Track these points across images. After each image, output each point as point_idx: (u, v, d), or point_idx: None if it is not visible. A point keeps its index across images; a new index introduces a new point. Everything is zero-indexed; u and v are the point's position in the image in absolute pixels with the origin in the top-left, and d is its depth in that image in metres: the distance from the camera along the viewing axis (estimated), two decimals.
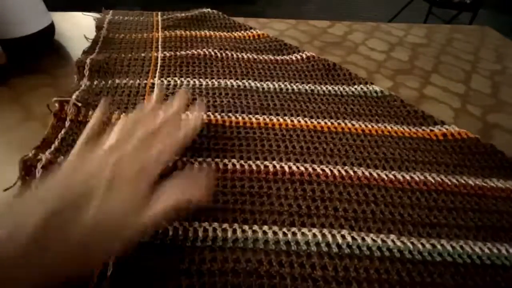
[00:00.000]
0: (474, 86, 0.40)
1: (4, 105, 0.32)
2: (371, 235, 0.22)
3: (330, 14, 2.21)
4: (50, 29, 0.41)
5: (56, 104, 0.29)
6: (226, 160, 0.26)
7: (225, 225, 0.22)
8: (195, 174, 0.23)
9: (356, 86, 0.37)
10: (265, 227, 0.22)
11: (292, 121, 0.31)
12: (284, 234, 0.22)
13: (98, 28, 0.44)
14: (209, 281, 0.19)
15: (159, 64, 0.37)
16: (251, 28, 0.48)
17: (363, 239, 0.22)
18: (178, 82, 0.35)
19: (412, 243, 0.22)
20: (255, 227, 0.22)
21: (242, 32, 0.47)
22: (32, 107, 0.31)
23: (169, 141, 0.22)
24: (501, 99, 0.39)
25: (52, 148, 0.26)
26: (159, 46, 0.41)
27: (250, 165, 0.26)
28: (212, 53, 0.40)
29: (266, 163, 0.26)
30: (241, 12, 0.52)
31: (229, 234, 0.21)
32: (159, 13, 0.50)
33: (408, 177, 0.26)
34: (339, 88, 0.36)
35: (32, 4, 0.37)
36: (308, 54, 0.41)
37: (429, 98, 0.38)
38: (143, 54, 0.39)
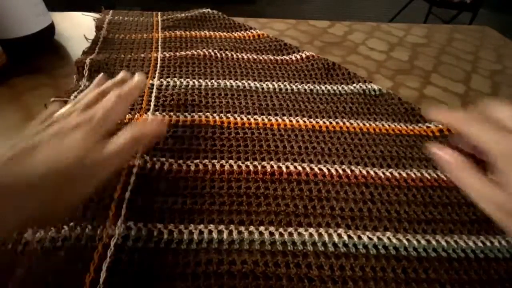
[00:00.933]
0: (474, 86, 0.40)
1: (4, 105, 0.32)
2: (367, 233, 0.22)
3: (330, 14, 2.21)
4: (50, 29, 0.41)
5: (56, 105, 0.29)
6: (223, 161, 0.26)
7: (221, 227, 0.22)
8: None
9: (355, 85, 0.37)
10: (262, 228, 0.22)
11: (290, 121, 0.31)
12: (281, 234, 0.22)
13: (98, 28, 0.44)
14: (204, 284, 0.19)
15: (158, 65, 0.37)
16: (251, 28, 0.48)
17: (359, 237, 0.22)
18: (178, 82, 0.35)
19: (407, 240, 0.22)
20: (251, 228, 0.22)
21: (242, 32, 0.47)
22: (32, 107, 0.31)
23: (113, 95, 0.22)
24: (501, 99, 0.39)
25: None
26: (159, 47, 0.41)
27: (247, 166, 0.26)
28: (212, 53, 0.40)
29: (264, 163, 0.27)
30: (241, 12, 0.52)
31: (225, 235, 0.21)
32: (159, 13, 0.50)
33: (404, 174, 0.27)
34: (338, 87, 0.36)
35: (32, 4, 0.37)
36: (308, 54, 0.41)
37: (429, 98, 0.38)
38: (142, 55, 0.39)
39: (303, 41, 0.48)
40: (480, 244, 0.22)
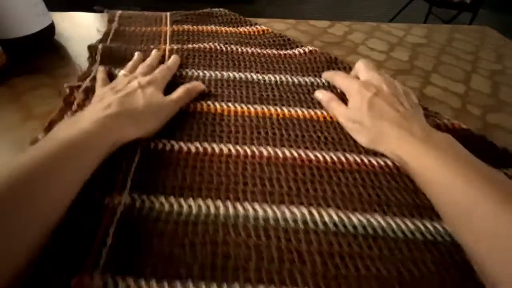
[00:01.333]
0: (474, 86, 0.41)
1: (4, 105, 0.32)
2: (357, 214, 0.23)
3: (330, 14, 2.21)
4: (50, 29, 0.41)
5: (67, 90, 0.32)
6: (222, 145, 0.28)
7: (218, 203, 0.23)
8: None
9: None
10: (256, 205, 0.23)
11: (289, 111, 0.33)
12: (274, 211, 0.23)
13: (110, 21, 0.46)
14: (201, 252, 0.20)
15: (166, 56, 0.39)
16: (256, 24, 0.49)
17: (349, 218, 0.23)
18: (183, 73, 0.37)
19: (396, 222, 0.23)
20: (246, 205, 0.23)
21: (248, 27, 0.48)
22: (32, 107, 0.31)
23: (165, 67, 0.34)
24: (501, 99, 0.39)
25: None
26: (168, 39, 0.43)
27: (245, 150, 0.28)
28: (218, 47, 0.41)
29: (261, 148, 0.28)
30: (241, 12, 0.52)
31: (221, 210, 0.23)
32: (168, 13, 0.50)
33: (397, 163, 0.28)
34: (338, 90, 0.37)
35: (32, 4, 0.37)
36: (311, 49, 0.42)
37: (429, 98, 0.38)
38: (152, 46, 0.41)
39: (303, 41, 0.48)
40: None
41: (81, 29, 0.43)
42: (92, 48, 0.38)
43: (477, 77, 0.42)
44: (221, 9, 0.51)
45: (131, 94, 0.28)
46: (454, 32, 0.55)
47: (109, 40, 0.42)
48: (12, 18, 0.35)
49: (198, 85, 0.33)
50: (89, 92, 0.32)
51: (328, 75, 0.37)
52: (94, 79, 0.33)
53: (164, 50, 0.40)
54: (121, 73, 0.32)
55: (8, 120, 0.30)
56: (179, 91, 0.31)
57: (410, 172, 0.26)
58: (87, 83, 0.33)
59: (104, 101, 0.26)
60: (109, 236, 0.20)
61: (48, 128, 0.27)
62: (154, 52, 0.37)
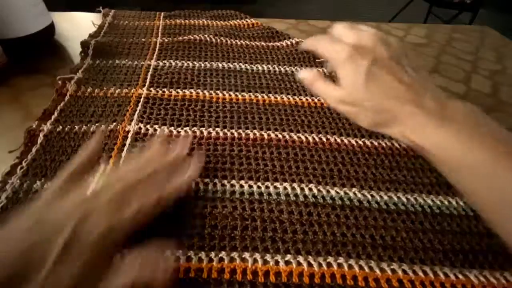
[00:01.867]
0: (474, 86, 0.41)
1: (4, 105, 0.32)
2: (336, 188, 0.25)
3: (330, 14, 2.21)
4: (50, 29, 0.41)
5: (59, 82, 0.33)
6: (210, 129, 0.29)
7: (206, 180, 0.25)
8: (154, 252, 0.18)
9: None
10: (242, 182, 0.25)
11: (275, 97, 0.34)
12: (258, 187, 0.25)
13: (105, 15, 0.48)
14: (190, 224, 0.21)
15: (157, 48, 0.41)
16: (246, 17, 0.51)
17: (328, 191, 0.25)
18: (173, 63, 0.38)
19: (371, 195, 0.25)
20: (233, 182, 0.25)
21: (238, 20, 0.50)
22: (32, 107, 0.31)
23: (155, 195, 0.19)
24: (501, 99, 0.39)
25: (52, 119, 0.29)
26: (159, 33, 0.44)
27: (232, 133, 0.29)
28: (208, 38, 0.43)
29: (247, 131, 0.29)
30: (241, 12, 0.52)
31: (210, 187, 0.24)
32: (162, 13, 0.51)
33: (376, 144, 0.29)
34: (323, 70, 0.39)
35: (32, 4, 0.37)
36: (298, 40, 0.44)
37: None
38: (143, 39, 0.42)
39: (303, 41, 0.48)
40: (438, 202, 0.25)
41: (81, 29, 0.43)
42: (84, 43, 0.39)
43: (477, 77, 0.42)
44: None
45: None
46: (454, 32, 0.55)
47: (102, 33, 0.43)
48: (12, 18, 0.35)
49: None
50: (81, 83, 0.33)
51: (311, 43, 0.29)
52: (86, 70, 0.35)
53: (155, 43, 0.41)
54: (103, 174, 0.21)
55: (8, 120, 0.30)
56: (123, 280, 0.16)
57: (428, 156, 0.24)
58: (79, 74, 0.34)
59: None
60: None
61: (42, 118, 0.29)
62: (181, 140, 0.25)
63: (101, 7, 0.49)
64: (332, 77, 0.28)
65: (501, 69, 0.45)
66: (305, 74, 0.29)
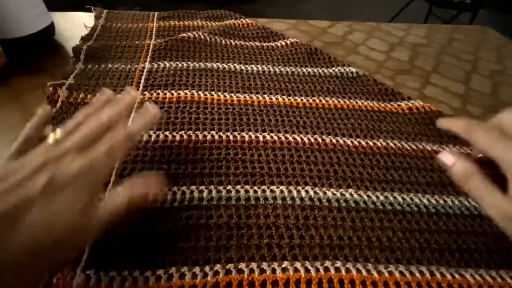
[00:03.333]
0: (474, 86, 0.40)
1: (4, 105, 0.32)
2: (332, 190, 0.25)
3: (330, 14, 2.21)
4: (50, 29, 0.41)
5: (50, 88, 0.32)
6: (205, 132, 0.29)
7: (202, 187, 0.24)
8: (146, 175, 0.20)
9: (334, 68, 0.40)
10: (238, 187, 0.24)
11: (270, 98, 0.34)
12: (255, 191, 0.24)
13: (97, 17, 0.47)
14: (184, 236, 0.21)
15: (150, 50, 0.40)
16: (241, 17, 0.50)
17: (324, 193, 0.24)
18: (167, 65, 0.37)
19: (367, 195, 0.24)
20: (229, 187, 0.24)
21: (233, 20, 0.49)
22: (32, 107, 0.31)
23: (120, 136, 0.19)
24: (501, 99, 0.39)
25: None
26: (153, 35, 0.44)
27: (227, 136, 0.29)
28: (202, 36, 0.42)
29: (243, 134, 0.29)
30: (241, 12, 0.52)
31: (205, 194, 0.24)
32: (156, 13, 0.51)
33: (371, 144, 0.29)
34: (318, 70, 0.39)
35: (32, 4, 0.37)
36: (292, 40, 0.44)
37: (429, 98, 0.38)
38: (137, 42, 0.42)
39: (303, 41, 0.48)
40: (433, 201, 0.25)
41: (81, 29, 0.43)
42: (76, 49, 0.38)
43: (477, 77, 0.42)
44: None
45: (15, 214, 0.14)
46: (454, 32, 0.55)
47: (95, 36, 0.42)
48: (12, 18, 0.35)
49: (153, 189, 0.19)
50: (73, 89, 0.32)
51: (458, 126, 0.22)
52: (77, 76, 0.34)
53: (148, 45, 0.41)
54: (52, 137, 0.19)
55: (8, 120, 0.30)
56: (120, 200, 0.17)
57: None
58: (70, 80, 0.33)
59: None
60: None
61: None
62: (126, 92, 0.23)
63: (92, 7, 0.48)
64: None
65: (501, 69, 0.45)
66: (456, 164, 0.20)
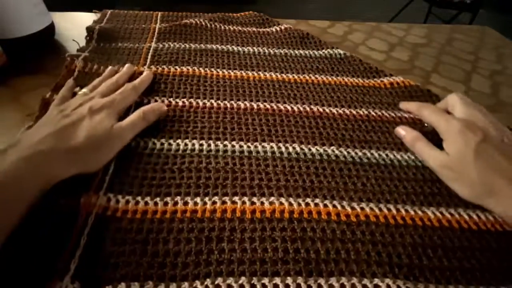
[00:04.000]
0: (474, 86, 0.41)
1: (4, 105, 0.32)
2: (316, 147, 0.28)
3: (330, 14, 2.21)
4: (50, 29, 0.41)
5: (68, 58, 0.36)
6: (205, 100, 0.33)
7: (202, 141, 0.28)
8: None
9: (324, 50, 0.43)
10: (233, 142, 0.28)
11: (264, 75, 0.38)
12: (248, 146, 0.28)
13: (103, 15, 0.49)
14: (187, 176, 0.25)
15: (156, 32, 0.44)
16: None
17: (309, 149, 0.28)
18: (172, 45, 0.41)
19: (347, 152, 0.28)
20: (225, 142, 0.28)
21: (232, 13, 0.53)
22: (32, 107, 0.31)
23: (128, 87, 0.30)
24: (501, 99, 0.39)
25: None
26: (158, 20, 0.48)
27: (225, 104, 0.33)
28: (203, 23, 0.47)
29: (239, 102, 0.33)
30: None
31: (205, 146, 0.28)
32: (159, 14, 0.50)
33: (354, 112, 0.33)
34: (309, 52, 0.43)
35: (32, 4, 0.37)
36: (286, 26, 0.48)
37: None
38: (143, 25, 0.46)
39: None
40: (406, 157, 0.29)
41: (81, 29, 0.43)
42: (89, 28, 0.42)
43: (477, 77, 0.43)
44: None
45: (74, 125, 0.24)
46: (454, 32, 0.55)
47: (105, 20, 0.46)
48: (12, 18, 0.35)
49: (157, 108, 0.29)
50: (88, 60, 0.37)
51: (412, 107, 0.32)
52: (91, 51, 0.38)
53: (154, 28, 0.45)
54: (82, 91, 0.29)
55: (8, 120, 0.30)
56: (133, 117, 0.27)
57: None
58: (85, 53, 0.38)
59: (43, 130, 0.23)
60: (83, 238, 0.20)
61: (54, 89, 0.32)
62: (126, 67, 0.34)
63: (95, 11, 0.49)
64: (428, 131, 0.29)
65: (501, 69, 0.45)
66: (405, 132, 0.30)
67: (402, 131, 0.30)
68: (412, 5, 1.82)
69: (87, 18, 0.48)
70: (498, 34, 0.56)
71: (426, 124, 0.31)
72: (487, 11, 2.17)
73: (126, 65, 0.34)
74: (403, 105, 0.33)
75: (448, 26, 0.59)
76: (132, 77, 0.34)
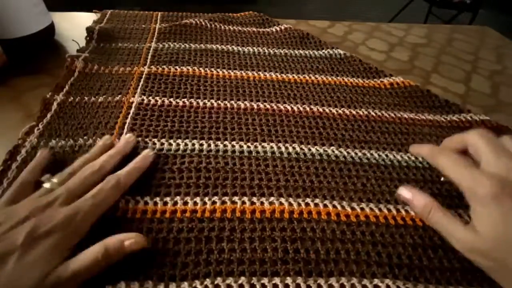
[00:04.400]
0: (474, 86, 0.40)
1: (4, 105, 0.32)
2: (316, 147, 0.28)
3: (330, 14, 2.21)
4: (50, 29, 0.41)
5: (68, 59, 0.36)
6: (205, 100, 0.33)
7: (202, 142, 0.28)
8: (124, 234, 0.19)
9: (323, 50, 0.43)
10: (234, 142, 0.28)
11: (264, 75, 0.38)
12: (248, 146, 0.28)
13: (103, 15, 0.49)
14: (186, 176, 0.25)
15: (156, 32, 0.44)
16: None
17: (309, 149, 0.28)
18: (171, 45, 0.41)
19: (347, 152, 0.28)
20: (226, 142, 0.28)
21: (232, 13, 0.53)
22: (32, 107, 0.31)
23: (110, 185, 0.21)
24: (501, 99, 0.39)
25: (64, 91, 0.32)
26: (158, 20, 0.48)
27: (225, 104, 0.33)
28: (203, 23, 0.47)
29: (239, 102, 0.33)
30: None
31: (205, 147, 0.28)
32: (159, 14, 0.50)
33: (354, 112, 0.33)
34: (309, 52, 0.43)
35: (32, 4, 0.37)
36: (286, 26, 0.48)
37: None
38: (143, 25, 0.46)
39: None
40: (406, 158, 0.28)
41: (81, 29, 0.43)
42: (89, 29, 0.42)
43: (477, 77, 0.42)
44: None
45: None
46: (454, 32, 0.55)
47: (105, 20, 0.46)
48: (12, 18, 0.35)
49: (128, 245, 0.18)
50: (88, 61, 0.36)
51: (425, 152, 0.24)
52: (91, 52, 0.38)
53: (154, 28, 0.45)
54: (48, 184, 0.20)
55: (8, 120, 0.30)
56: (90, 254, 0.17)
57: None
58: (85, 54, 0.37)
59: None
60: None
61: (55, 90, 0.32)
62: (120, 141, 0.26)
63: (95, 11, 0.49)
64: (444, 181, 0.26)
65: (501, 69, 0.45)
66: (414, 198, 0.22)
67: (407, 193, 0.22)
68: (412, 5, 1.82)
69: (87, 18, 0.48)
70: (498, 34, 0.56)
71: (442, 179, 0.26)
72: (487, 11, 2.17)
73: (125, 136, 0.26)
74: (413, 148, 0.26)
75: (448, 26, 0.59)
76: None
